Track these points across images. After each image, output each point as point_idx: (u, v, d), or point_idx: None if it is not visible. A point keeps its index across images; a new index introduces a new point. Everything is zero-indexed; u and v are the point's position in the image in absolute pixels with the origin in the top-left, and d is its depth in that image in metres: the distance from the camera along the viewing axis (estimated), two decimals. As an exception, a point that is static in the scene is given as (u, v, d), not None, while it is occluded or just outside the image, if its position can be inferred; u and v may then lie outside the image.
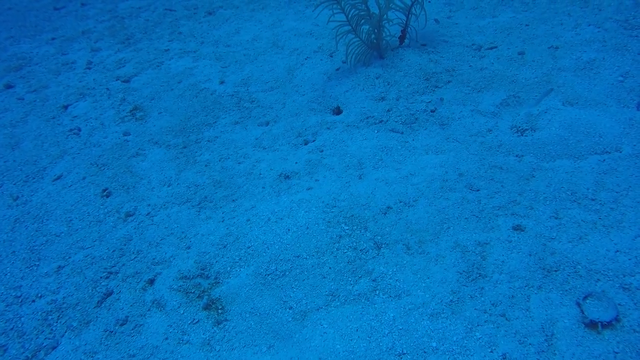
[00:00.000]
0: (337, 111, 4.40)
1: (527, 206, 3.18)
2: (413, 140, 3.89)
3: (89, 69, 5.98)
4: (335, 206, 3.38)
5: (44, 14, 7.98)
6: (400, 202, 3.35)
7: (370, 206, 3.34)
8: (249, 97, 4.87)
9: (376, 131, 4.03)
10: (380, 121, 4.12)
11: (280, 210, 3.43)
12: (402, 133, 3.97)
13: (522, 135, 3.78)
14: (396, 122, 4.09)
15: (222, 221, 3.45)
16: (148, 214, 3.73)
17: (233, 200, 3.63)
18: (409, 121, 4.07)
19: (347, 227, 3.20)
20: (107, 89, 5.39)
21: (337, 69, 4.87)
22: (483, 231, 3.07)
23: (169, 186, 3.95)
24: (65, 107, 5.29)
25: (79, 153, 4.56)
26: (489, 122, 3.96)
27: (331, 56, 5.19)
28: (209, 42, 5.99)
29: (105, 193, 3.98)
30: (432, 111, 4.14)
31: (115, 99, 5.25)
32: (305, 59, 5.23)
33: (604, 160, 3.40)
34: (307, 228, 3.21)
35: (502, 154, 3.63)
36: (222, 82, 5.14)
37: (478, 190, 3.36)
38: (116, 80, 5.59)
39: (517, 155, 3.58)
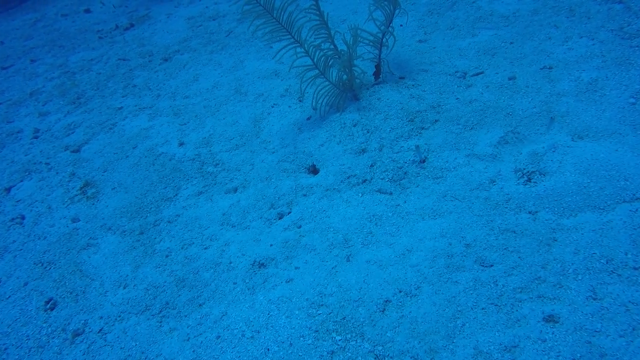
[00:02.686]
0: (313, 170, 3.73)
1: (555, 284, 2.53)
2: (405, 202, 3.22)
3: (36, 138, 5.26)
4: (322, 305, 2.70)
5: (-9, 75, 7.22)
6: (400, 291, 2.67)
7: (364, 301, 2.67)
8: (213, 159, 4.18)
9: (360, 194, 3.36)
10: (364, 180, 3.45)
11: (256, 317, 2.73)
12: (391, 194, 3.31)
13: (529, 181, 3.14)
14: (382, 179, 3.43)
15: (187, 340, 2.74)
16: (100, 330, 3.01)
17: (200, 305, 2.94)
18: (397, 177, 3.41)
19: (340, 337, 2.51)
20: (47, 163, 4.67)
21: (308, 118, 4.20)
22: (507, 326, 2.40)
23: (124, 288, 3.24)
24: (8, 190, 4.56)
25: (22, 249, 3.83)
26: (490, 169, 3.31)
27: (300, 101, 4.52)
28: (165, 95, 5.29)
29: (49, 305, 3.26)
30: (422, 161, 3.48)
31: (64, 174, 4.53)
32: (272, 107, 4.56)
33: (637, 210, 2.76)
34: (291, 345, 2.52)
35: (512, 211, 2.98)
36: (181, 144, 4.45)
37: (491, 265, 2.70)
38: (65, 150, 4.87)
39: (530, 212, 2.94)
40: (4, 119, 5.80)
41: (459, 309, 2.53)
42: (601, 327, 2.30)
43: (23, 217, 4.18)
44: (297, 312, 2.68)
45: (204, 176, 4.04)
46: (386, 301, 2.64)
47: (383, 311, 2.60)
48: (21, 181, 4.64)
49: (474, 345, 2.36)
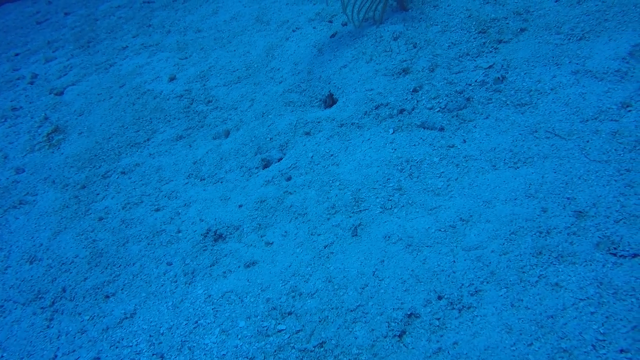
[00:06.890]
0: (330, 101, 2.41)
1: None
2: (464, 142, 1.82)
3: (32, 83, 4.37)
4: (289, 313, 1.40)
5: (26, 29, 6.58)
6: (440, 297, 1.31)
7: (368, 313, 1.33)
8: (205, 95, 2.99)
9: (391, 130, 2.00)
10: (401, 110, 2.09)
11: (172, 328, 1.49)
12: (442, 129, 1.92)
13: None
14: (430, 109, 2.04)
15: (55, 358, 1.56)
16: (-24, 323, 1.92)
17: (105, 297, 1.74)
18: (454, 105, 2.01)
19: (305, 385, 1.20)
20: (24, 108, 3.71)
21: (333, 35, 2.88)
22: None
23: (31, 263, 2.13)
24: (-22, 138, 3.65)
25: (-44, 206, 2.87)
26: (617, 92, 1.83)
27: (330, 22, 3.19)
28: (176, 31, 4.18)
29: (-60, 279, 2.23)
30: (500, 80, 2.05)
31: (37, 118, 3.55)
32: (293, 32, 3.27)
33: None
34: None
35: (674, 156, 1.49)
36: (172, 79, 3.29)
37: (634, 255, 1.26)
38: (49, 93, 3.91)
39: None
40: (12, 67, 5.01)
41: (562, 345, 1.12)
42: None
43: (-23, 168, 3.23)
44: (241, 324, 1.40)
45: (189, 116, 2.85)
46: (410, 316, 1.29)
47: (400, 337, 1.25)
48: (-4, 128, 3.73)
49: None
